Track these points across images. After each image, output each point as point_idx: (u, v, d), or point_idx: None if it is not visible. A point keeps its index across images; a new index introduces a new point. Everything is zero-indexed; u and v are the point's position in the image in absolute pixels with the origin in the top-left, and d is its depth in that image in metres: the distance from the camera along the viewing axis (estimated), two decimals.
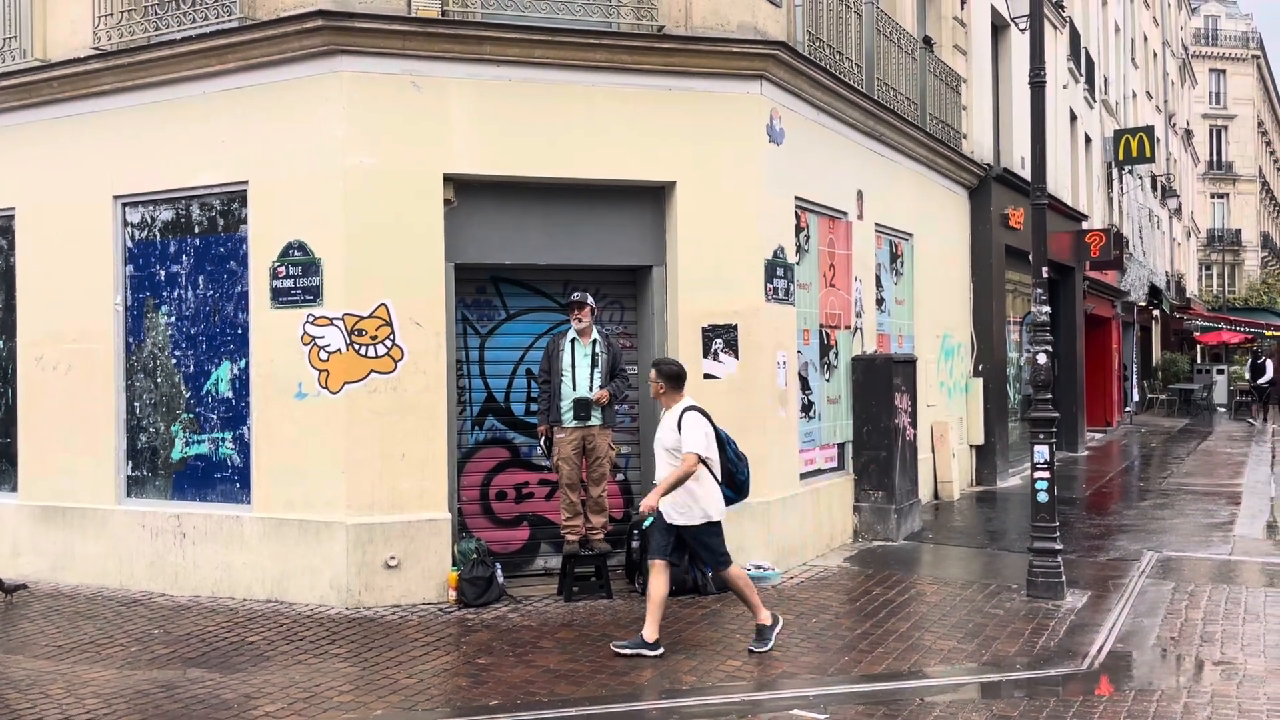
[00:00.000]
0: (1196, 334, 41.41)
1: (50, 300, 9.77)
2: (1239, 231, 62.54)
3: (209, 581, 8.91)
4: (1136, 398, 32.09)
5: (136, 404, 9.51)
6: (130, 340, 9.54)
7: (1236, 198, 63.44)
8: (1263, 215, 65.95)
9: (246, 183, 8.88)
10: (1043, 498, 8.68)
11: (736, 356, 9.32)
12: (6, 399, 10.16)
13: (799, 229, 10.34)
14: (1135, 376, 32.22)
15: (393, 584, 8.48)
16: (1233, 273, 62.42)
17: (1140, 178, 31.23)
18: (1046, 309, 8.87)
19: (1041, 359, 8.76)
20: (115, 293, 9.51)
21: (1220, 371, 36.59)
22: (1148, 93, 35.14)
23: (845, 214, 11.36)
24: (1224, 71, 62.62)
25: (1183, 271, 44.16)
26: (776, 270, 9.64)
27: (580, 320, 8.72)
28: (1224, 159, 62.69)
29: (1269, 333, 42.38)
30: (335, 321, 8.50)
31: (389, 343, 8.52)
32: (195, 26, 8.93)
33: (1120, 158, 26.07)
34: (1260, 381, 29.86)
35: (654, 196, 9.37)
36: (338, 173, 8.46)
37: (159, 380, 9.41)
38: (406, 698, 6.36)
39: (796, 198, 10.18)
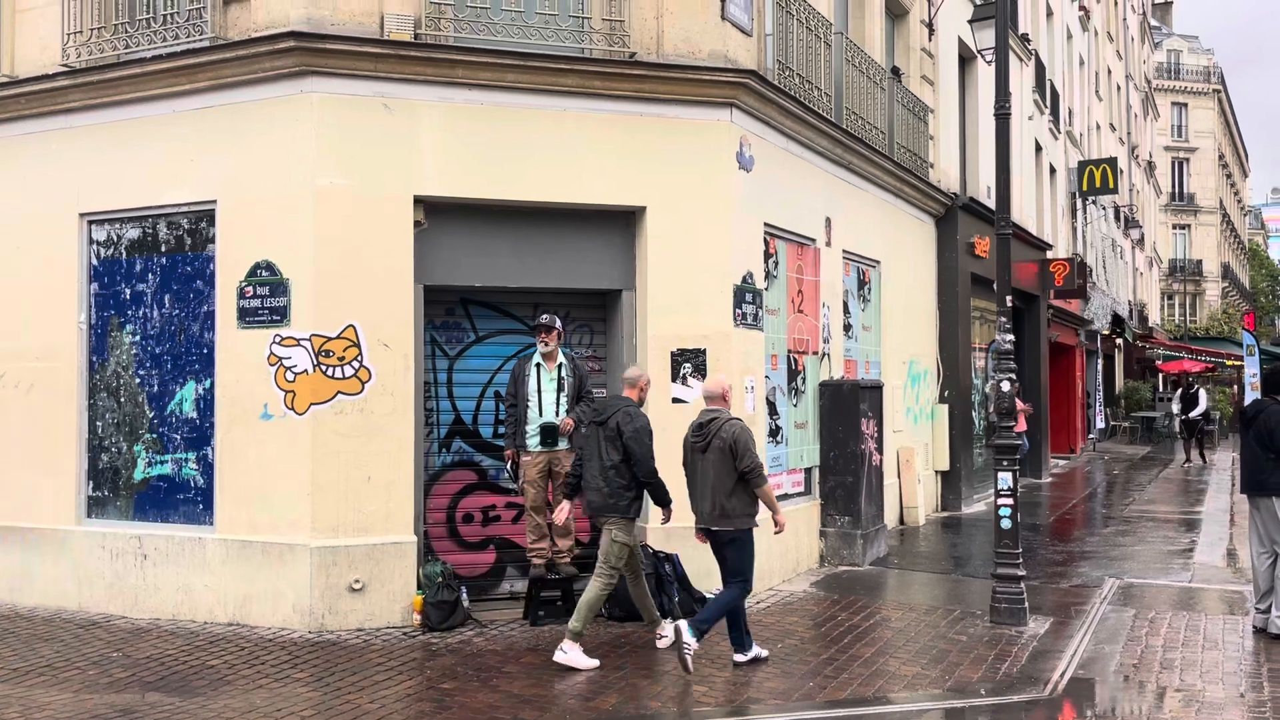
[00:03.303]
0: (1159, 362, 41.96)
1: (13, 318, 9.65)
2: (1200, 262, 63.51)
3: (170, 604, 8.79)
4: (1100, 425, 32.44)
5: (99, 423, 9.41)
6: (94, 359, 9.44)
7: (1198, 229, 64.44)
8: (1223, 246, 67.02)
9: (215, 202, 8.84)
10: (1006, 524, 8.75)
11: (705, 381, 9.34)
12: None
13: (768, 255, 10.41)
14: (1099, 404, 32.58)
15: (357, 607, 8.42)
16: (1194, 302, 63.34)
17: (1104, 208, 31.70)
18: (1010, 337, 8.98)
19: (1005, 386, 8.86)
20: (79, 311, 9.42)
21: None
22: (1111, 125, 35.75)
23: (814, 241, 11.46)
24: (1186, 105, 63.75)
25: (1145, 301, 44.78)
26: (745, 296, 9.70)
27: (546, 344, 8.71)
28: (1186, 191, 63.71)
29: (1230, 362, 42.99)
30: (302, 342, 8.46)
31: (356, 364, 8.49)
32: (166, 45, 8.91)
33: (1084, 188, 26.48)
34: (1193, 415, 25.86)
35: (624, 221, 9.42)
36: (307, 193, 8.45)
37: (122, 399, 9.32)
38: None
39: (765, 224, 10.26)
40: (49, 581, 9.33)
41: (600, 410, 7.86)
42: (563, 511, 8.09)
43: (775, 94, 10.02)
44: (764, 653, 7.60)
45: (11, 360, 9.64)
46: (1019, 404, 19.79)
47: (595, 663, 7.39)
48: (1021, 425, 19.61)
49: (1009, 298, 9.05)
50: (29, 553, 9.43)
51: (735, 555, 7.45)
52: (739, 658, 7.49)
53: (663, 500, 7.77)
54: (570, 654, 7.41)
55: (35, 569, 9.39)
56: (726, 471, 7.31)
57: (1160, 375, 44.34)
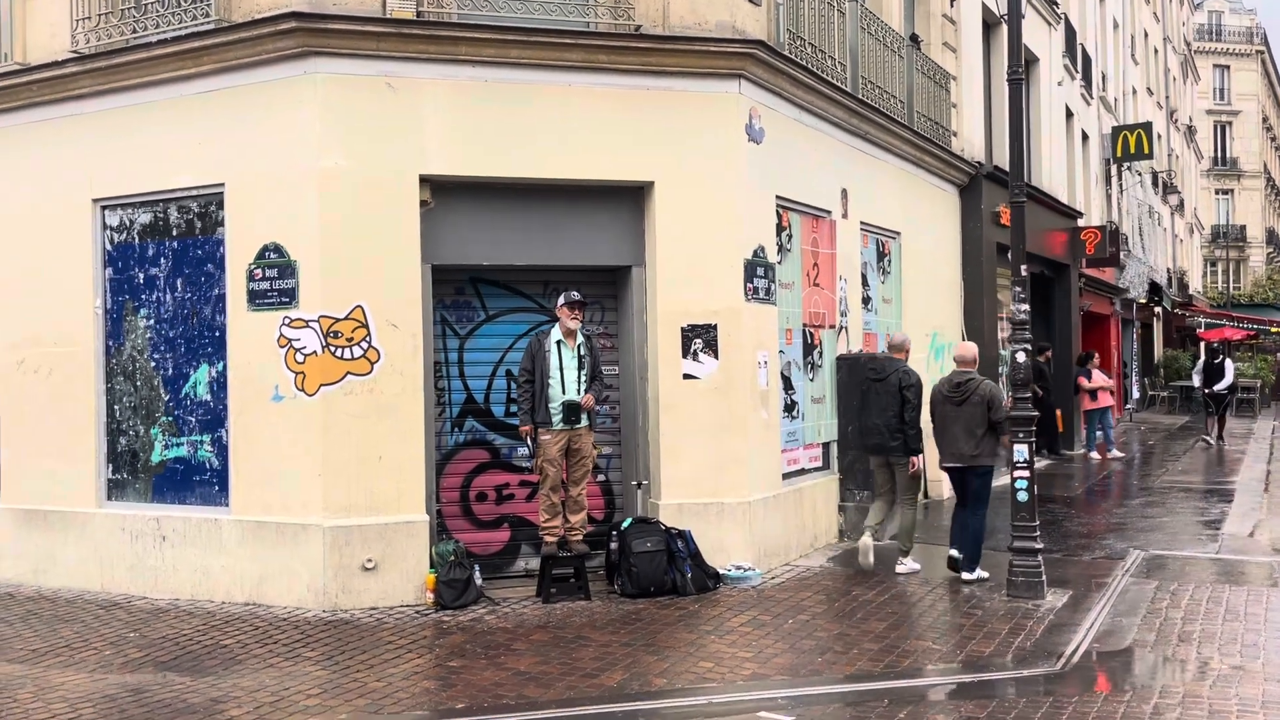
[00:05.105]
0: (1199, 330, 41.25)
1: (31, 303, 9.76)
2: (1244, 227, 62.29)
3: (188, 584, 8.90)
4: (1137, 395, 31.97)
5: (116, 407, 9.51)
6: (110, 343, 9.54)
7: (1241, 194, 63.19)
8: (1268, 211, 65.68)
9: (223, 185, 8.87)
10: (1023, 497, 8.63)
11: (716, 356, 9.28)
12: None
13: (780, 228, 10.30)
14: (1135, 374, 32.09)
15: (370, 586, 8.47)
16: (1238, 269, 62.18)
17: (1139, 174, 31.10)
18: (1025, 307, 8.82)
19: (1020, 357, 8.71)
20: (95, 296, 9.51)
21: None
22: (1148, 89, 35.02)
23: (829, 213, 11.31)
24: (1228, 67, 62.37)
25: (1185, 268, 44.00)
26: (757, 270, 9.60)
27: (578, 320, 8.68)
28: (1228, 155, 62.45)
29: (1274, 329, 42.20)
30: (311, 323, 8.48)
31: (365, 344, 8.51)
32: (172, 29, 8.93)
33: (1118, 154, 25.97)
34: (1219, 388, 22.31)
35: (632, 196, 9.35)
36: (313, 174, 8.45)
37: (138, 383, 9.41)
38: (373, 701, 6.35)
39: (778, 197, 10.14)
40: (72, 563, 9.47)
41: (879, 370, 9.75)
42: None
43: (785, 64, 9.87)
44: (985, 574, 9.09)
45: (31, 346, 9.75)
46: (1103, 379, 19.49)
47: (919, 566, 9.57)
48: (1107, 400, 19.17)
49: (1024, 266, 8.89)
50: (52, 535, 9.57)
51: (982, 485, 9.16)
52: (967, 575, 9.14)
53: (917, 446, 9.43)
54: (906, 564, 9.53)
55: (59, 551, 9.54)
56: (980, 421, 8.92)
57: (1201, 344, 43.69)
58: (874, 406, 9.65)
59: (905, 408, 9.43)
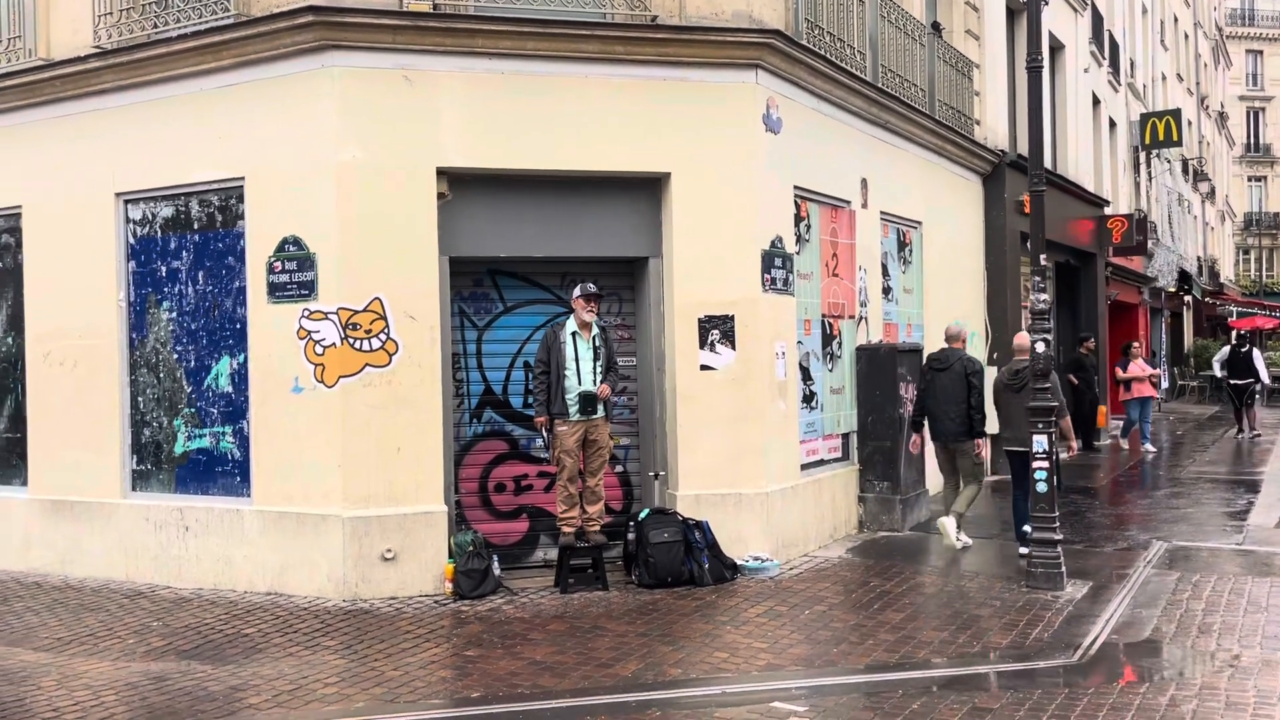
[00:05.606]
0: (1231, 319, 40.75)
1: (56, 297, 9.89)
2: (1277, 215, 61.39)
3: (211, 574, 9.00)
4: (1166, 385, 31.65)
5: (140, 399, 9.62)
6: (134, 336, 9.64)
7: (1274, 180, 62.29)
8: None
9: (243, 179, 8.94)
10: (1042, 488, 8.58)
11: (733, 347, 9.28)
12: (16, 395, 10.32)
13: (799, 218, 10.26)
14: (1165, 363, 31.75)
15: (389, 576, 8.54)
16: (1271, 256, 61.34)
17: (1169, 161, 30.74)
18: (1045, 296, 8.75)
19: (1040, 347, 8.65)
20: (118, 289, 9.61)
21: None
22: (1178, 75, 34.61)
23: (849, 203, 11.26)
24: (1260, 52, 61.45)
25: (1216, 256, 43.49)
26: (774, 260, 9.58)
27: (594, 312, 8.71)
28: (1261, 141, 61.56)
29: None
30: (330, 315, 8.54)
31: (383, 336, 8.56)
32: (192, 24, 9.00)
33: (1146, 141, 25.69)
34: (1261, 381, 21.54)
35: (649, 188, 9.34)
36: (331, 168, 8.50)
37: (161, 375, 9.52)
38: (390, 690, 6.40)
39: (796, 187, 10.11)
40: (98, 553, 9.60)
41: (942, 361, 10.11)
42: (915, 445, 10.48)
43: (803, 54, 9.82)
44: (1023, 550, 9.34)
45: (56, 339, 9.88)
46: (1146, 369, 19.14)
47: (969, 540, 10.16)
48: (1145, 391, 18.79)
49: (1044, 255, 8.82)
50: (78, 525, 9.71)
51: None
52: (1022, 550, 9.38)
53: (982, 429, 9.89)
54: (956, 532, 9.99)
55: (85, 541, 9.67)
56: None
57: (1233, 333, 43.17)
58: (939, 395, 9.99)
59: (971, 393, 9.82)
